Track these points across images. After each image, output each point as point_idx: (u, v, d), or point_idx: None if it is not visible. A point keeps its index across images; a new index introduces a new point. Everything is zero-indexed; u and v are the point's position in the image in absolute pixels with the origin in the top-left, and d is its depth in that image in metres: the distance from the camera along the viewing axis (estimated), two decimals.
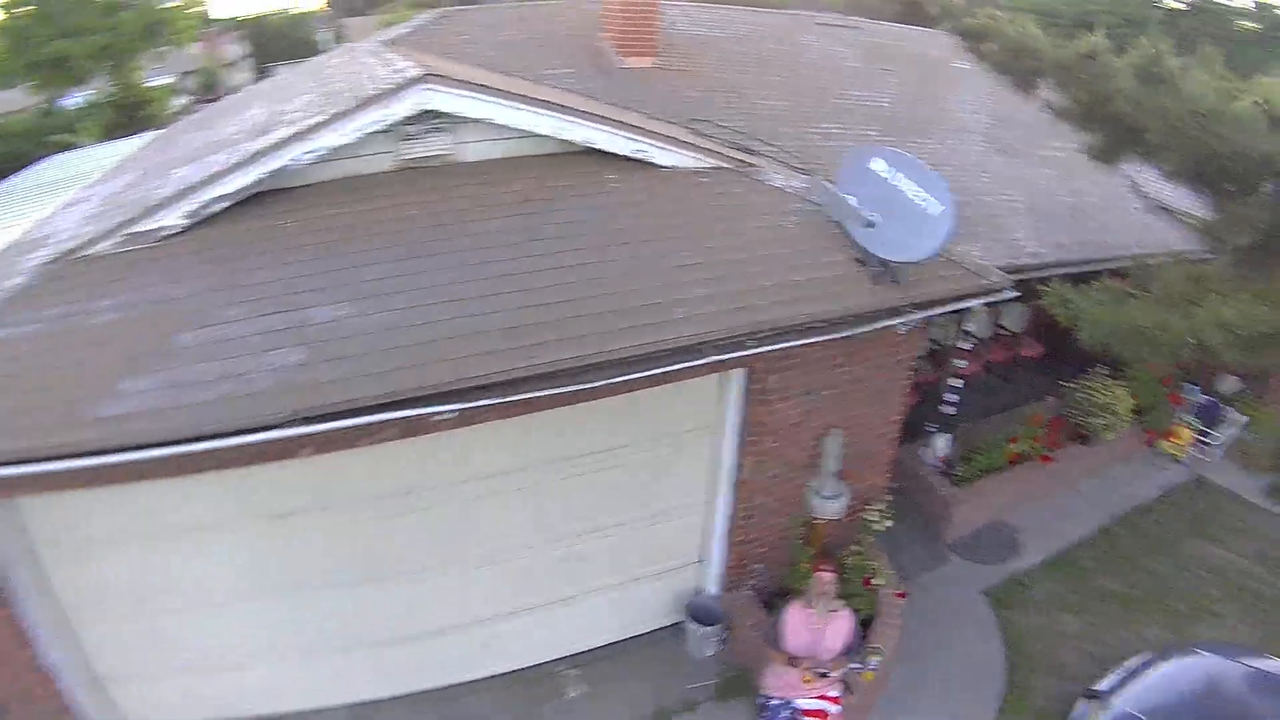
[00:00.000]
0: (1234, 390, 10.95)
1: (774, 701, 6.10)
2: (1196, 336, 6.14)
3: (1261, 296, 6.08)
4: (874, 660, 6.42)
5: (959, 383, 9.86)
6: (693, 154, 7.32)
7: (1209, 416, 10.69)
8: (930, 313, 6.36)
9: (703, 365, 5.53)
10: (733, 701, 6.93)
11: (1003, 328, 11.28)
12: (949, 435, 9.20)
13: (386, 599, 6.33)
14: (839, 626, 6.01)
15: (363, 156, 6.17)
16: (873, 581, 7.04)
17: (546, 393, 5.02)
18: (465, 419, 5.16)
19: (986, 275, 6.70)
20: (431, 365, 4.88)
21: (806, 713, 6.07)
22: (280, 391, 4.64)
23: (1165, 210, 7.97)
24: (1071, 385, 9.93)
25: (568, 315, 5.37)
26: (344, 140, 5.78)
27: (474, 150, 6.55)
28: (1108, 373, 9.89)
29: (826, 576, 5.92)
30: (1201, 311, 6.19)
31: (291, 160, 5.69)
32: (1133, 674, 6.51)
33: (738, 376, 6.42)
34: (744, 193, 7.27)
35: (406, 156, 6.33)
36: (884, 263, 6.22)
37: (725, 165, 7.53)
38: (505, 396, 4.91)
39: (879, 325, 6.18)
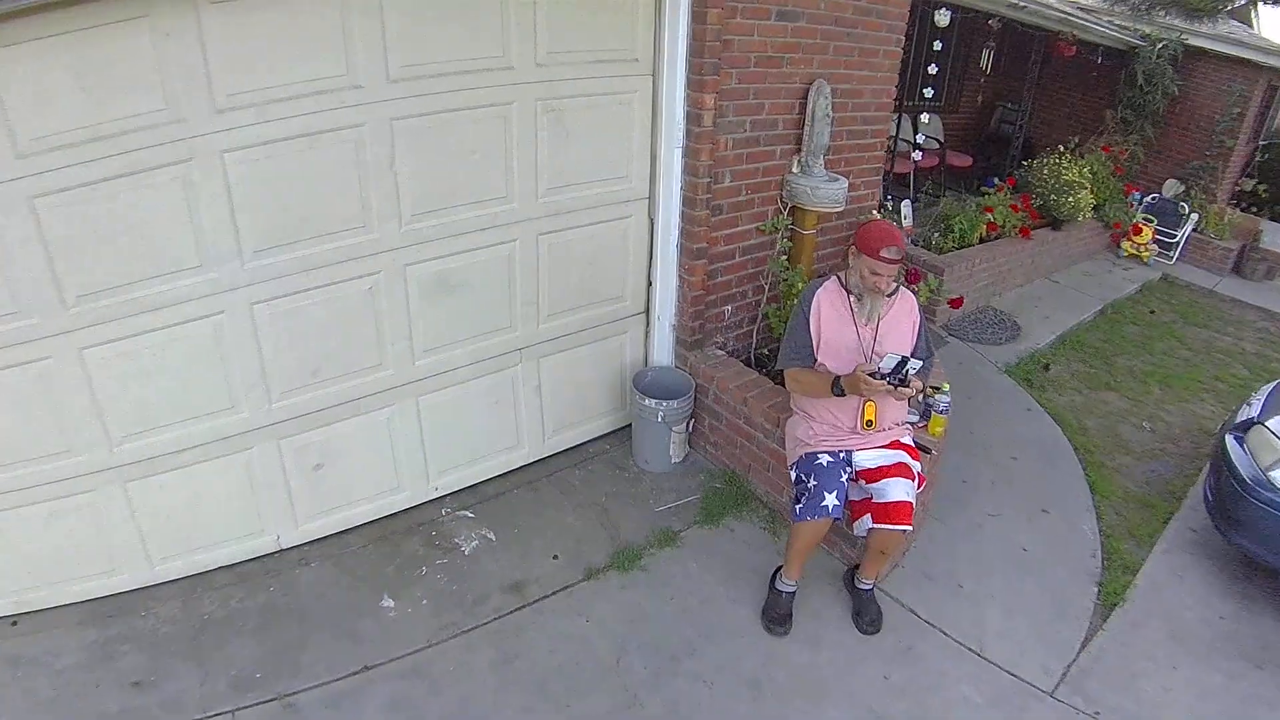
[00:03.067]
0: (1176, 192, 9.92)
1: (821, 460, 3.42)
2: None
3: None
4: (943, 399, 3.98)
5: (917, 154, 7.93)
6: None
7: (1165, 214, 9.52)
8: None
9: None
10: (730, 520, 4.22)
11: (931, 137, 9.45)
12: (910, 201, 7.07)
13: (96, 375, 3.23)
14: (901, 316, 3.46)
15: None
16: (923, 277, 4.58)
17: None
18: None
19: None
20: None
21: (871, 474, 3.42)
22: None
23: None
24: (1032, 163, 8.49)
25: None
26: None
27: None
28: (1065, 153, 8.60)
29: (891, 264, 3.28)
30: None
31: None
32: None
33: None
34: None
35: None
36: None
37: None
38: None
39: None
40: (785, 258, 4.64)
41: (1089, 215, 8.55)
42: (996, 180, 8.18)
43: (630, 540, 4.02)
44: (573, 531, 4.07)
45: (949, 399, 4.06)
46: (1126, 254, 9.32)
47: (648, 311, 4.60)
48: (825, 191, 4.49)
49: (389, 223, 3.56)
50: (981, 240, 7.19)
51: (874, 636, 3.58)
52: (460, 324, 3.95)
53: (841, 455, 3.42)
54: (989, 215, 7.21)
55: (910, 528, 3.33)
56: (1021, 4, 7.14)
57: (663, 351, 4.62)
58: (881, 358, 3.20)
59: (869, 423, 3.36)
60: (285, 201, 3.30)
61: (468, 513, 4.19)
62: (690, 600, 3.70)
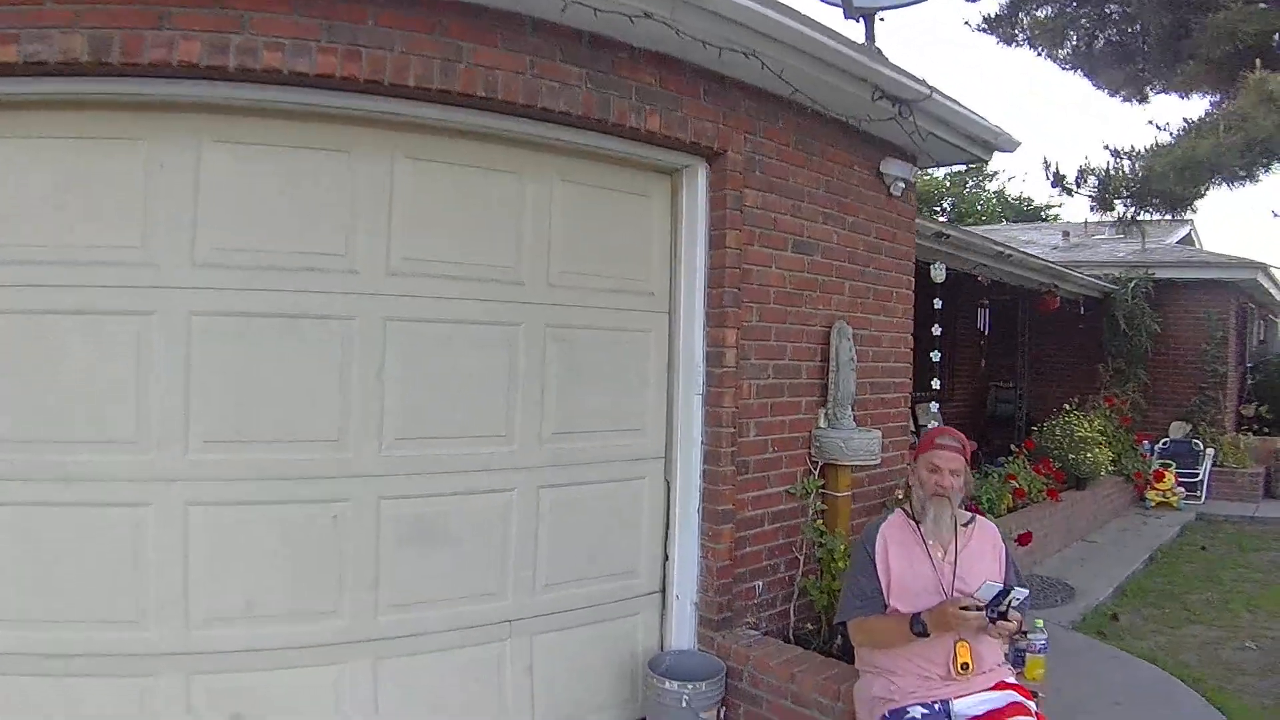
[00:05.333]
0: (1185, 432, 9.86)
1: (914, 714, 2.67)
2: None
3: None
4: (1039, 638, 3.33)
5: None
6: None
7: (1181, 456, 9.39)
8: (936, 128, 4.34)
9: None
10: None
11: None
12: None
13: None
14: (984, 546, 2.91)
15: None
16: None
17: None
18: None
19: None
20: None
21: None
22: None
23: None
24: (1046, 424, 8.34)
25: None
26: None
27: None
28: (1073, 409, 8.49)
29: (950, 451, 2.85)
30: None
31: None
32: None
33: (700, 189, 3.73)
34: None
35: None
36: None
37: None
38: None
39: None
40: (820, 521, 4.03)
41: (1109, 470, 8.30)
42: (1007, 456, 7.81)
43: None
44: None
45: (1045, 637, 3.45)
46: (1154, 503, 9.01)
47: (664, 591, 3.87)
48: (859, 443, 4.02)
49: (367, 442, 3.04)
50: (1010, 509, 6.70)
51: None
52: (440, 580, 3.23)
53: (937, 707, 2.69)
54: (1013, 483, 6.77)
55: None
56: (1007, 252, 7.15)
57: (682, 635, 3.82)
58: (967, 594, 2.68)
59: (965, 665, 2.68)
60: (250, 390, 2.86)
61: None
62: None
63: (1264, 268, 9.98)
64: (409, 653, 3.20)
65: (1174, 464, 9.11)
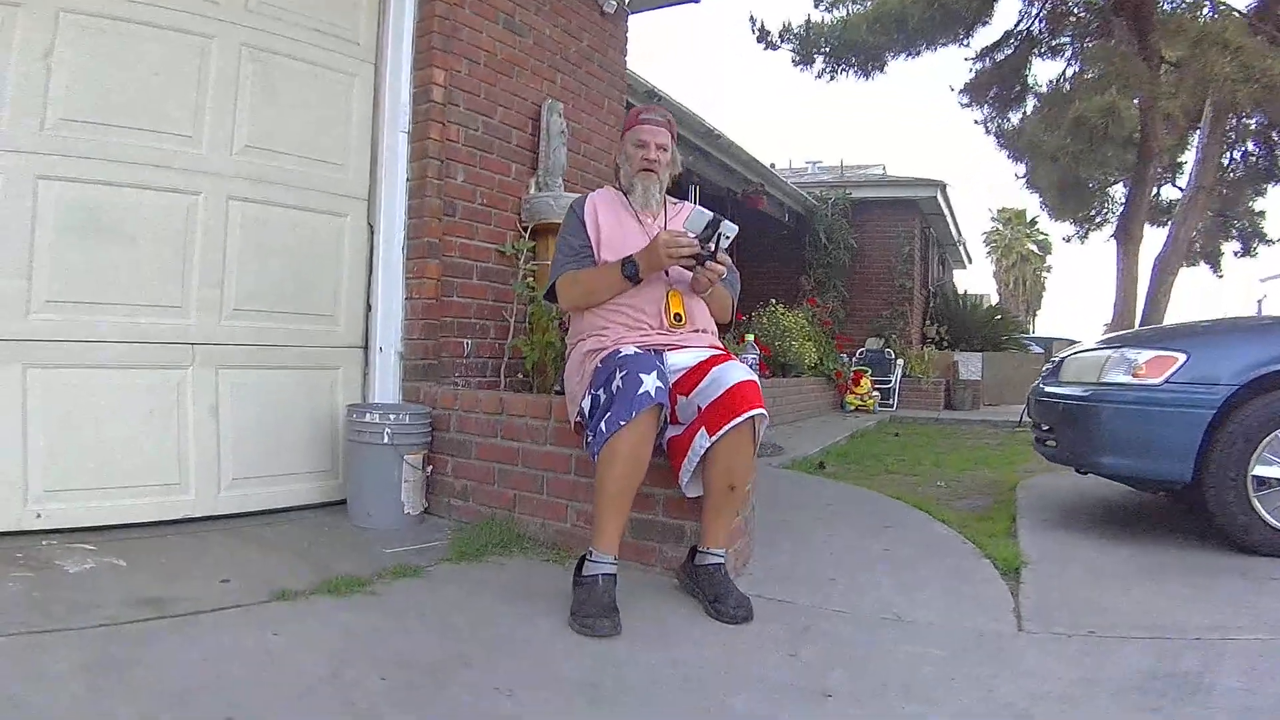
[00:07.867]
0: (880, 346, 11.85)
1: (626, 350, 2.88)
2: None
3: None
4: (750, 355, 3.93)
5: None
6: None
7: (876, 364, 11.30)
8: None
9: None
10: (497, 557, 3.50)
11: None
12: None
13: None
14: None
15: None
16: None
17: None
18: None
19: None
20: None
21: (692, 375, 2.92)
22: None
23: None
24: (754, 314, 9.70)
25: None
26: None
27: None
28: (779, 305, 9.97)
29: (656, 126, 3.15)
30: None
31: None
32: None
33: None
34: None
35: None
36: None
37: None
38: None
39: None
40: (531, 280, 4.49)
41: (812, 368, 9.82)
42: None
43: (350, 572, 3.14)
44: (258, 565, 3.18)
45: (755, 354, 4.00)
46: (853, 407, 10.73)
47: (366, 346, 4.16)
48: (569, 202, 4.52)
49: (26, 118, 3.09)
50: None
51: (748, 625, 2.88)
52: (111, 281, 3.32)
53: (652, 351, 2.91)
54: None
55: (764, 411, 2.90)
56: (718, 133, 8.11)
57: (386, 388, 4.11)
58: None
59: (677, 316, 2.99)
60: None
61: (87, 545, 3.18)
62: (456, 619, 2.82)
63: (942, 186, 12.25)
64: (69, 363, 3.23)
65: (870, 370, 10.96)
